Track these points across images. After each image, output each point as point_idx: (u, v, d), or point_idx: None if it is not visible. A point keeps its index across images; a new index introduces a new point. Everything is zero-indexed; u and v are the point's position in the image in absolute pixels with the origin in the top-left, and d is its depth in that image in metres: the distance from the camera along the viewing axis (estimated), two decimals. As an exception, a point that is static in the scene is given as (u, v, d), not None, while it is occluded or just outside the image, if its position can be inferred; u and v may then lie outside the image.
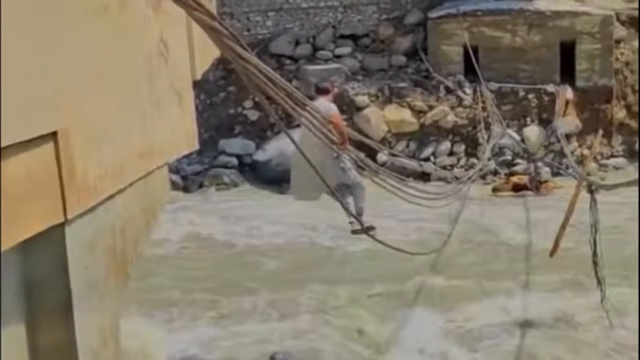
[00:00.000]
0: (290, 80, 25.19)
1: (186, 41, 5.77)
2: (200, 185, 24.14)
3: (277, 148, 23.27)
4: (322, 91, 12.59)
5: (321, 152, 10.98)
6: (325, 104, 11.44)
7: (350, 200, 11.81)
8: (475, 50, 25.18)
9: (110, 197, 4.34)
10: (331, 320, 14.51)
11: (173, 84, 5.44)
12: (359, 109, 25.15)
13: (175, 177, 23.39)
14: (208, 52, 6.61)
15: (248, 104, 25.45)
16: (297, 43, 27.31)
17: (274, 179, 23.36)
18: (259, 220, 20.54)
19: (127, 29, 4.33)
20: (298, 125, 7.39)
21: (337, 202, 9.05)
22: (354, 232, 11.52)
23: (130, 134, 4.57)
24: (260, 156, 24.57)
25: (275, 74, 5.54)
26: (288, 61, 26.95)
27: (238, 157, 25.00)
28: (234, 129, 25.69)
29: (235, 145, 25.23)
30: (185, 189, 23.77)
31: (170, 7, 4.74)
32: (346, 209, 9.87)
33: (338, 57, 26.87)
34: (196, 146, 6.18)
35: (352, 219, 11.20)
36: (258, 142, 25.12)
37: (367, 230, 11.13)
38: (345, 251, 17.84)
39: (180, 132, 5.86)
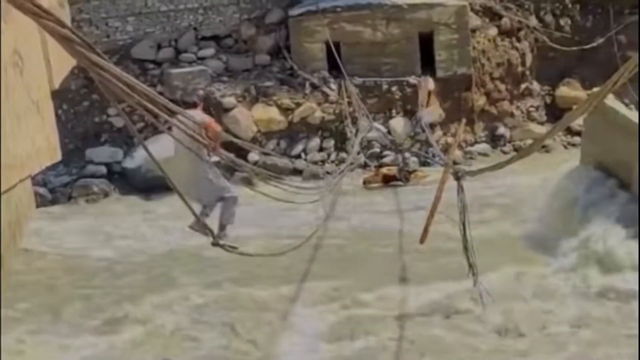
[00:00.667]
0: (154, 85, 24.96)
1: (41, 51, 5.63)
2: (69, 197, 23.50)
3: (146, 154, 22.87)
4: (191, 105, 12.54)
5: (192, 163, 10.94)
6: (199, 114, 11.37)
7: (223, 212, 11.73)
8: (338, 46, 25.47)
9: (-29, 214, 4.20)
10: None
11: (30, 95, 5.31)
12: (227, 110, 25.05)
13: (42, 190, 22.75)
14: (65, 61, 6.47)
15: (113, 111, 24.89)
16: (159, 47, 26.94)
17: (145, 185, 23.00)
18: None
19: (-23, 42, 4.20)
20: (162, 132, 7.28)
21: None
22: (214, 244, 11.30)
23: (-12, 148, 4.43)
24: (129, 163, 24.12)
25: (135, 81, 5.47)
26: (151, 66, 26.55)
27: (106, 165, 24.45)
28: (101, 137, 25.13)
29: (103, 153, 24.68)
30: (53, 202, 23.09)
31: (22, 18, 4.60)
32: (199, 226, 10.04)
33: (202, 59, 26.66)
34: (59, 157, 6.03)
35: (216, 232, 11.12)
36: (126, 149, 24.65)
37: (228, 247, 11.16)
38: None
39: (42, 144, 5.71)
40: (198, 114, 11.28)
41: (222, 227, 11.48)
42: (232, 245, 11.24)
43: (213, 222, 11.55)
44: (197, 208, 10.65)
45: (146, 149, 5.99)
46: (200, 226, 10.75)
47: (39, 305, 15.06)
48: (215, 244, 10.97)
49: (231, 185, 11.94)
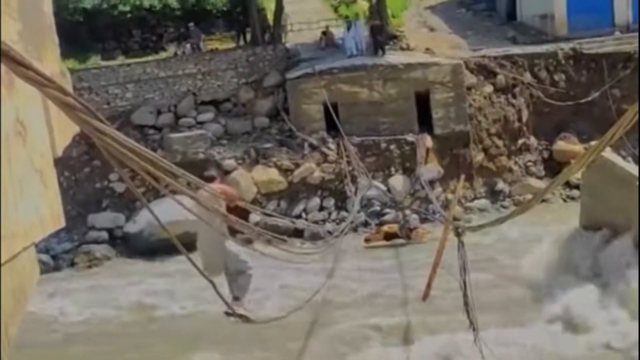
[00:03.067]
0: (155, 150, 25.09)
1: (44, 119, 5.72)
2: (72, 263, 23.52)
3: (148, 218, 22.98)
4: (209, 179, 12.72)
5: (210, 231, 11.07)
6: (218, 186, 11.56)
7: (235, 285, 11.90)
8: (335, 106, 25.76)
9: (-24, 283, 4.23)
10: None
11: (33, 163, 5.38)
12: (227, 172, 25.21)
13: (45, 257, 22.78)
14: (67, 128, 6.54)
15: (114, 176, 25.10)
16: (159, 112, 27.25)
17: (148, 249, 23.08)
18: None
19: (-20, 112, 4.28)
20: (164, 196, 7.32)
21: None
22: (227, 313, 11.39)
23: (-9, 217, 4.49)
24: (131, 228, 24.22)
25: (138, 145, 5.55)
26: (151, 131, 26.83)
27: (108, 230, 24.58)
28: (102, 203, 25.28)
29: (105, 219, 24.81)
30: (56, 268, 23.11)
31: (24, 86, 4.71)
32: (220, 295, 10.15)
33: (201, 123, 26.96)
34: (62, 224, 6.08)
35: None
36: (127, 214, 24.78)
37: (241, 317, 11.14)
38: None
39: (45, 211, 5.77)
40: (217, 186, 11.45)
41: (236, 298, 11.52)
42: (245, 315, 11.32)
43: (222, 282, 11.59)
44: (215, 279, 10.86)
45: (151, 212, 6.04)
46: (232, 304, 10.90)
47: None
48: (228, 314, 11.01)
49: (249, 260, 12.06)
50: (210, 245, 11.13)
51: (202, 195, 9.34)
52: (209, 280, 8.68)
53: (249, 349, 15.80)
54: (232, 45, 31.88)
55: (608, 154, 16.40)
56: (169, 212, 10.11)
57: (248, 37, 32.10)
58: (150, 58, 30.13)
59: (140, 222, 23.72)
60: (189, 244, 10.97)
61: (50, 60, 5.79)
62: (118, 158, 5.07)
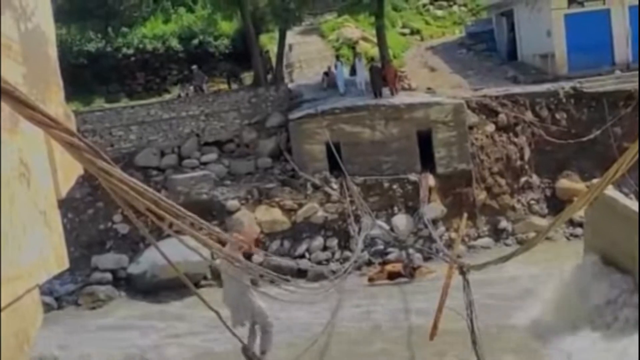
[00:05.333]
0: (158, 191, 25.04)
1: (47, 160, 5.76)
2: (76, 305, 23.47)
3: (151, 259, 23.03)
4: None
5: (237, 285, 11.38)
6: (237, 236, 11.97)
7: (258, 340, 12.18)
8: (338, 146, 25.86)
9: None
10: None
11: (37, 205, 5.41)
12: (230, 212, 25.26)
13: (48, 299, 22.73)
14: (71, 170, 6.58)
15: (117, 218, 25.16)
16: (163, 154, 27.38)
17: (150, 290, 23.08)
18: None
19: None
20: (169, 236, 7.37)
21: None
22: None
23: (-5, 259, 4.50)
24: (134, 269, 24.21)
25: (143, 185, 5.59)
26: (155, 172, 26.93)
27: (112, 272, 24.55)
28: (106, 244, 25.29)
29: (108, 260, 24.80)
30: (60, 310, 23.05)
31: (28, 128, 4.76)
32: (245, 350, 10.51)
33: (204, 164, 27.07)
34: (66, 265, 6.10)
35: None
36: (131, 255, 24.78)
37: None
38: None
39: (49, 253, 5.79)
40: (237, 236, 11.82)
41: (263, 352, 11.96)
42: None
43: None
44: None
45: (159, 250, 6.05)
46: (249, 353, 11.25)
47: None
48: None
49: (270, 316, 12.34)
50: (237, 299, 11.50)
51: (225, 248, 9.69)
52: (233, 333, 8.80)
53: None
54: (234, 86, 32.10)
55: (610, 191, 16.39)
56: (170, 253, 10.16)
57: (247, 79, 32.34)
58: (153, 100, 30.38)
59: (144, 264, 23.74)
60: (193, 283, 11.02)
61: (55, 103, 5.86)
62: (123, 198, 5.11)
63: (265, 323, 12.14)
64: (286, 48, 34.34)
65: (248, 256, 11.42)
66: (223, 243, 13.15)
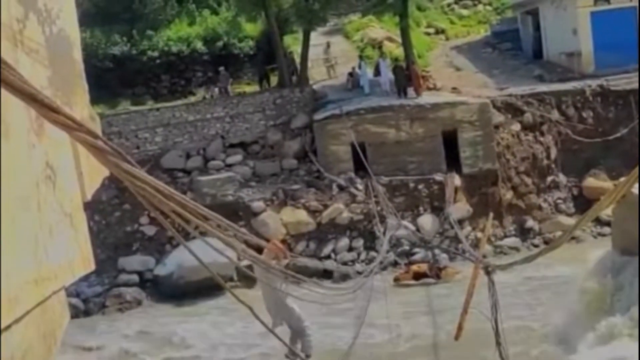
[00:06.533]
0: (184, 193, 25.23)
1: (73, 163, 5.83)
2: (103, 307, 23.60)
3: (177, 261, 23.14)
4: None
5: (272, 292, 11.66)
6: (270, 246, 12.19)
7: (299, 344, 12.44)
8: (363, 147, 25.84)
9: (7, 327, 4.29)
10: None
11: (63, 207, 5.47)
12: (256, 214, 25.31)
13: (75, 301, 22.86)
14: (96, 172, 6.66)
15: (144, 220, 25.27)
16: (188, 156, 27.48)
17: (177, 292, 23.18)
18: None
19: (11, 158, 4.37)
20: (194, 238, 7.41)
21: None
22: None
23: (22, 261, 4.55)
24: (160, 271, 24.30)
25: (168, 188, 5.61)
26: (180, 174, 27.03)
27: (139, 273, 24.66)
28: (132, 246, 25.42)
29: (135, 262, 24.92)
30: (87, 313, 23.19)
31: (54, 131, 4.82)
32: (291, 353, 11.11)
33: (230, 165, 27.13)
34: (92, 267, 6.17)
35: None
36: (157, 257, 24.89)
37: None
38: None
39: (75, 255, 5.85)
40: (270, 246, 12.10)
41: (307, 356, 12.24)
42: None
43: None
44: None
45: (189, 250, 6.09)
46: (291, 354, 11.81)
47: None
48: None
49: (306, 320, 12.60)
50: (274, 304, 11.87)
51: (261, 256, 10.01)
52: (271, 331, 8.98)
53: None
54: (258, 88, 32.15)
55: (638, 189, 16.24)
56: (200, 253, 10.22)
57: (274, 80, 32.37)
58: (179, 102, 30.47)
59: (170, 265, 23.83)
60: (215, 285, 11.12)
61: (80, 106, 5.91)
62: (149, 200, 5.13)
63: (302, 327, 12.33)
64: (324, 46, 34.66)
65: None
66: (260, 250, 13.34)
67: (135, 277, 24.51)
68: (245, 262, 12.09)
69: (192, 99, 31.70)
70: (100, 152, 4.20)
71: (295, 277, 9.97)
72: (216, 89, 31.99)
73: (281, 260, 11.77)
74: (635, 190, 15.63)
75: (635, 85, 27.74)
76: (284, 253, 11.91)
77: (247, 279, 21.93)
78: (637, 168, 7.98)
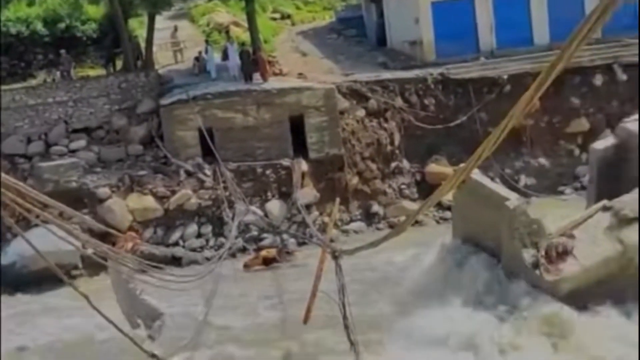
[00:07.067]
0: (25, 179, 24.41)
1: None
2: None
3: (19, 250, 22.26)
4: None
5: (123, 282, 11.48)
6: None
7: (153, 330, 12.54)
8: (211, 132, 25.70)
9: None
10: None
11: None
12: (101, 201, 24.76)
13: None
14: None
15: (-18, 208, 24.21)
16: (29, 141, 26.53)
17: (18, 281, 22.39)
18: None
19: None
20: (37, 225, 7.22)
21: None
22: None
23: None
24: (2, 260, 23.37)
25: (4, 175, 5.43)
26: (21, 160, 26.08)
27: (-21, 263, 23.63)
28: (-28, 234, 24.30)
29: (-26, 251, 23.85)
30: None
31: None
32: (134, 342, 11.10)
33: (73, 151, 26.37)
34: None
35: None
36: (-2, 246, 23.90)
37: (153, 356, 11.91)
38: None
39: None
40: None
41: (151, 338, 12.67)
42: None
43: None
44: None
45: (26, 240, 5.95)
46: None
47: None
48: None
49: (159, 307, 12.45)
50: (125, 296, 11.56)
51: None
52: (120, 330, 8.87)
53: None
54: (103, 72, 31.37)
55: (477, 175, 16.90)
56: (40, 243, 9.95)
57: (120, 63, 31.69)
58: (18, 85, 29.30)
59: (12, 254, 22.95)
60: (64, 273, 10.86)
61: None
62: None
63: (156, 315, 12.25)
64: (172, 30, 34.54)
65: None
66: (105, 237, 13.13)
67: (-26, 267, 23.49)
68: (90, 250, 11.79)
69: (33, 82, 30.54)
70: None
71: (146, 264, 9.94)
72: (58, 73, 30.96)
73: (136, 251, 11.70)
74: (474, 176, 16.28)
75: (473, 75, 28.84)
76: (140, 242, 11.87)
77: (92, 267, 21.49)
78: (475, 154, 8.31)
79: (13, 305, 21.56)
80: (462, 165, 12.51)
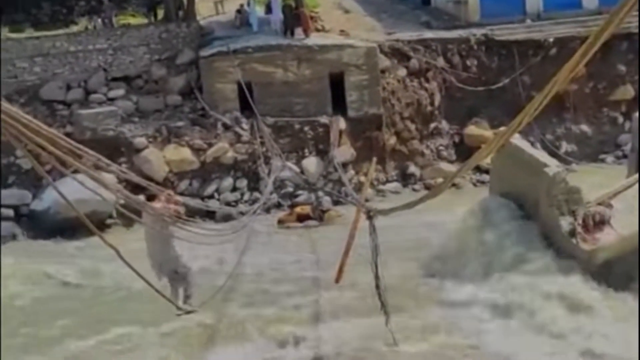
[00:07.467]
0: (64, 126, 24.55)
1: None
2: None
3: (55, 196, 22.36)
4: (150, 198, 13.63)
5: (159, 238, 11.52)
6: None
7: (181, 289, 12.49)
8: (249, 86, 25.57)
9: None
10: None
11: None
12: (138, 150, 24.82)
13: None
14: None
15: (20, 152, 24.32)
16: (69, 88, 26.58)
17: (53, 227, 22.60)
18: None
19: None
20: (76, 172, 7.15)
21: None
22: (179, 315, 12.37)
23: None
24: (37, 205, 23.61)
25: (38, 123, 5.33)
26: (60, 106, 26.15)
27: (14, 208, 23.87)
28: (8, 179, 24.51)
29: (10, 196, 24.09)
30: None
31: None
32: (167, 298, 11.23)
33: (112, 99, 26.39)
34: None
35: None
36: (34, 191, 24.10)
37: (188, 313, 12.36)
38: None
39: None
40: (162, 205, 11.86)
41: (187, 297, 12.46)
42: (192, 310, 12.48)
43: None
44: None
45: (57, 189, 5.85)
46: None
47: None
48: (179, 314, 12.21)
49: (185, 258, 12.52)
50: (159, 250, 11.89)
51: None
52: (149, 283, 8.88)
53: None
54: (144, 21, 31.29)
55: (517, 140, 16.65)
56: (77, 190, 9.92)
57: (161, 13, 31.56)
58: (60, 31, 29.33)
59: (47, 200, 23.15)
60: (95, 223, 10.86)
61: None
62: (16, 136, 4.86)
63: (185, 271, 12.30)
64: None
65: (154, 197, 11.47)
66: (139, 189, 13.14)
67: (10, 212, 23.73)
68: (144, 216, 11.84)
69: (74, 28, 30.59)
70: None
71: (181, 218, 9.88)
72: (99, 20, 30.98)
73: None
74: (514, 140, 16.04)
75: (518, 37, 28.33)
76: (176, 211, 11.79)
77: (127, 218, 21.55)
78: (517, 118, 8.09)
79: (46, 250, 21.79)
80: (502, 128, 12.29)
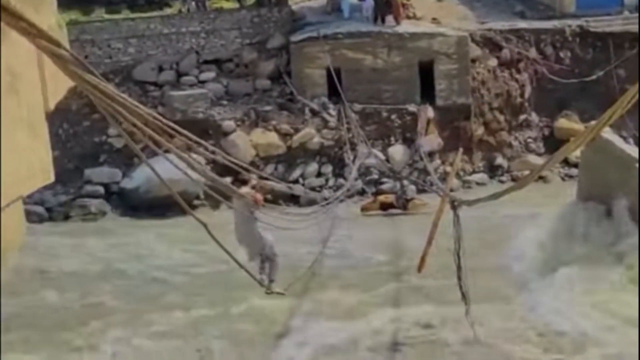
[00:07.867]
0: (155, 107, 24.98)
1: (37, 73, 5.64)
2: (66, 217, 23.49)
3: (145, 175, 22.88)
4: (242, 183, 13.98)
5: (246, 220, 12.05)
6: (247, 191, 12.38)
7: (266, 271, 12.77)
8: (338, 72, 25.60)
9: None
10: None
11: (23, 117, 5.31)
12: (226, 134, 25.12)
13: (39, 209, 22.78)
14: (61, 83, 6.47)
15: (113, 131, 24.89)
16: (161, 69, 27.05)
17: (142, 206, 23.10)
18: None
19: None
20: (167, 152, 7.28)
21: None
22: (268, 293, 12.60)
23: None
24: (127, 184, 24.12)
25: (133, 102, 5.46)
26: (152, 87, 26.65)
27: (105, 185, 24.43)
28: (99, 158, 25.13)
29: (102, 174, 24.68)
30: (51, 220, 23.11)
31: (18, 38, 4.61)
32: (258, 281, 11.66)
33: (202, 82, 26.76)
34: (51, 178, 6.04)
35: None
36: (124, 170, 24.64)
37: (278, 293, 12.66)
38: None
39: (34, 165, 5.71)
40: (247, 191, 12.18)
41: (271, 281, 12.69)
42: (280, 292, 12.72)
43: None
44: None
45: (151, 167, 5.99)
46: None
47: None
48: (268, 293, 12.51)
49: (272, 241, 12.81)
50: (248, 234, 12.20)
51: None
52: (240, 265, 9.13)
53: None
54: (237, 5, 31.58)
55: (608, 134, 16.31)
56: (167, 169, 10.12)
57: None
58: (155, 14, 29.82)
59: (137, 179, 23.64)
60: (186, 202, 11.02)
61: (45, 12, 5.70)
62: (113, 114, 4.99)
63: (271, 253, 12.52)
64: None
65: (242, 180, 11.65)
66: (227, 170, 13.40)
67: (100, 189, 24.28)
68: (234, 200, 12.12)
69: (169, 11, 31.04)
70: (63, 61, 4.03)
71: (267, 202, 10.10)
72: (193, 3, 31.32)
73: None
74: (605, 134, 15.70)
75: (615, 29, 27.63)
76: (259, 204, 12.03)
77: (214, 199, 21.86)
78: (608, 112, 7.92)
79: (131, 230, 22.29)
80: (593, 122, 12.02)
